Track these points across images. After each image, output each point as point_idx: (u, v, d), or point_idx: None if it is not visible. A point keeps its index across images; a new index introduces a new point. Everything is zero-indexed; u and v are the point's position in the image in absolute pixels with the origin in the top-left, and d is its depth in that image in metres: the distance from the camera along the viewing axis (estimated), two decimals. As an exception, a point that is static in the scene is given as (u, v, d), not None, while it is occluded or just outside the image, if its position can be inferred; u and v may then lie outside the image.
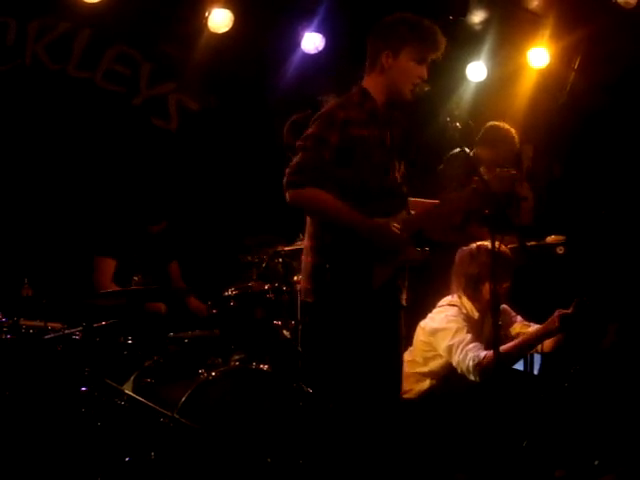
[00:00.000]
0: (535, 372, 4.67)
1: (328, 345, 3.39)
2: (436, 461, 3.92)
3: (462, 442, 3.91)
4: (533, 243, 5.07)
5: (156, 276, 4.92)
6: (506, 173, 3.49)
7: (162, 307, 4.85)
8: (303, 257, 3.49)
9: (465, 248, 4.23)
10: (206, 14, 5.60)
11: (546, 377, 4.46)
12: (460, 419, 3.93)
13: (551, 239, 5.05)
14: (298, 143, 3.37)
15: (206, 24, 5.63)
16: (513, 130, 5.29)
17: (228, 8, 5.60)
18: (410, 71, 3.41)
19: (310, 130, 3.37)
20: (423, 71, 3.43)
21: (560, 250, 4.95)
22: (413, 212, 3.47)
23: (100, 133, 5.74)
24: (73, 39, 5.66)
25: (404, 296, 3.49)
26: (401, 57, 3.41)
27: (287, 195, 3.32)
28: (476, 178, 3.42)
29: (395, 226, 3.32)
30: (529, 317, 4.40)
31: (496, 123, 5.32)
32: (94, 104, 5.75)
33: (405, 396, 4.05)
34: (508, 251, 4.12)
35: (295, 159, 3.35)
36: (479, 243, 4.18)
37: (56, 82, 5.65)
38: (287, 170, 3.34)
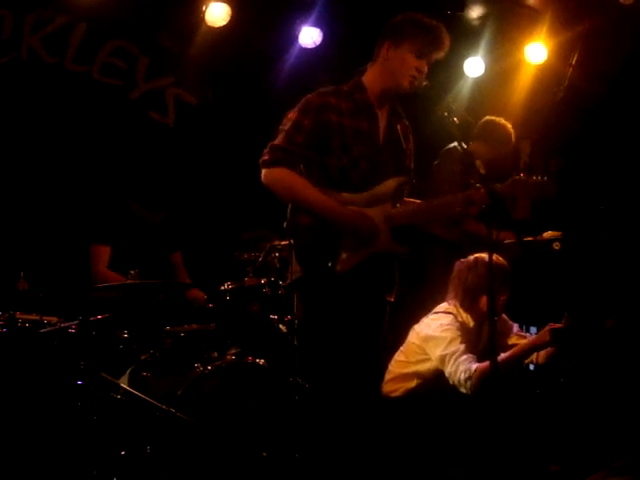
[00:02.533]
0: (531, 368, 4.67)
1: (300, 330, 3.43)
2: (429, 457, 3.92)
3: (456, 438, 3.91)
4: (530, 239, 5.07)
5: (154, 269, 4.91)
6: (538, 180, 3.46)
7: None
8: None
9: (463, 260, 4.23)
10: (203, 8, 5.60)
11: (541, 372, 4.46)
12: (452, 415, 3.93)
13: (548, 235, 5.05)
14: (280, 127, 3.47)
15: (204, 18, 5.63)
16: (509, 125, 5.29)
17: (226, 2, 5.60)
18: (408, 62, 3.43)
19: (289, 114, 3.47)
20: (422, 65, 3.44)
21: (557, 246, 4.95)
22: (399, 206, 3.46)
23: (97, 127, 5.73)
24: (70, 32, 5.65)
25: (392, 291, 3.47)
26: (401, 49, 3.45)
27: (261, 174, 3.42)
28: (475, 182, 3.41)
29: (368, 216, 3.33)
30: (525, 313, 4.41)
31: (492, 118, 5.32)
32: (91, 98, 5.74)
33: (393, 395, 4.06)
34: (506, 264, 4.12)
35: (272, 140, 3.45)
36: (477, 255, 4.17)
37: (53, 75, 5.64)
38: (263, 150, 3.44)
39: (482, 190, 3.34)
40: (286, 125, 3.43)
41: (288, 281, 3.48)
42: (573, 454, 4.06)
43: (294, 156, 3.38)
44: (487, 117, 5.32)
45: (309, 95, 3.48)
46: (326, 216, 3.33)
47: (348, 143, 3.40)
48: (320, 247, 3.33)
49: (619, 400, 4.19)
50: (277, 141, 3.42)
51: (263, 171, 3.41)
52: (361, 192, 3.38)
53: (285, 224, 3.48)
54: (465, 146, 4.93)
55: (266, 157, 3.40)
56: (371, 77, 3.52)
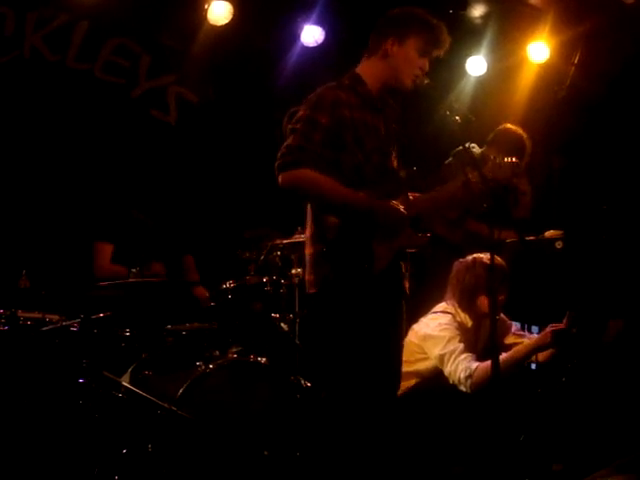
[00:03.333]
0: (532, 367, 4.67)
1: (331, 337, 3.36)
2: (430, 456, 3.91)
3: (457, 436, 3.91)
4: (532, 238, 5.07)
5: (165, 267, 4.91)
6: (506, 161, 3.46)
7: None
8: (305, 249, 3.47)
9: (462, 260, 4.22)
10: (206, 6, 5.60)
11: (543, 372, 4.46)
12: (453, 414, 3.93)
13: (550, 234, 5.04)
14: (289, 127, 3.36)
15: (206, 16, 5.63)
16: (525, 136, 5.22)
17: (228, 0, 5.60)
18: (413, 60, 3.41)
19: (300, 113, 3.36)
20: (425, 63, 3.43)
21: (559, 245, 4.94)
22: (412, 197, 3.45)
23: (99, 125, 5.73)
24: (72, 30, 5.65)
25: (407, 284, 3.47)
26: (406, 45, 3.42)
27: (279, 178, 3.29)
28: (469, 170, 3.40)
29: (396, 204, 3.29)
30: (527, 312, 4.40)
31: (509, 126, 5.26)
32: (93, 96, 5.74)
33: None
34: (504, 265, 4.11)
35: (286, 141, 3.33)
36: (475, 255, 4.17)
37: (55, 73, 5.64)
38: (279, 153, 3.31)
39: (475, 179, 3.35)
40: (298, 124, 3.31)
41: (317, 285, 3.33)
42: (575, 453, 4.06)
43: (313, 155, 3.26)
44: (505, 124, 5.27)
45: (319, 91, 3.39)
46: (362, 210, 3.26)
47: (361, 137, 3.35)
48: (355, 247, 3.27)
49: (621, 398, 4.18)
50: (293, 142, 3.28)
51: (283, 174, 3.26)
52: (375, 187, 3.33)
53: (312, 231, 3.39)
54: (479, 150, 4.93)
55: (287, 158, 3.26)
56: (369, 71, 3.47)
